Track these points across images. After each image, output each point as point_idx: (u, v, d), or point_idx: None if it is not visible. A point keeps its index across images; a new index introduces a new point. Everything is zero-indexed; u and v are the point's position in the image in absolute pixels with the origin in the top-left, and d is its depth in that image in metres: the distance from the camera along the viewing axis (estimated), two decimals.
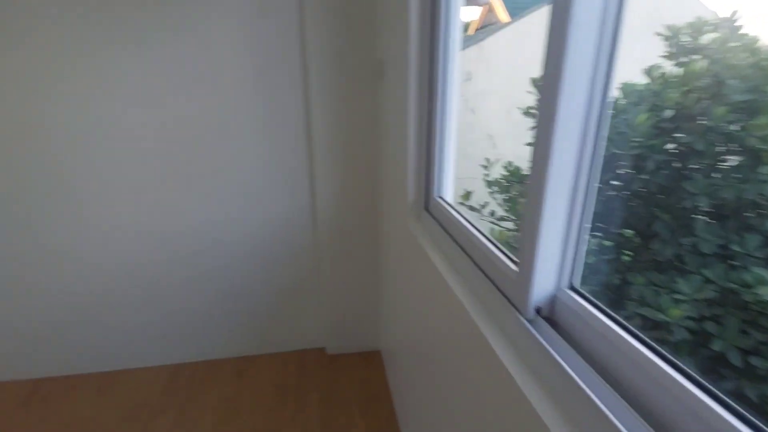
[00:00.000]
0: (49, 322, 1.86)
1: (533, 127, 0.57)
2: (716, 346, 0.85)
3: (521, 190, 1.70)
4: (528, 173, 0.61)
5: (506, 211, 1.76)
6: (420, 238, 1.12)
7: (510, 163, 1.74)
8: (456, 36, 1.04)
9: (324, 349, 2.12)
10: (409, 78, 1.15)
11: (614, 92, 0.51)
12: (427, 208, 1.24)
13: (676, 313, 0.95)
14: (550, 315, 0.61)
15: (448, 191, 1.19)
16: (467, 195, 1.74)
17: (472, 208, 1.77)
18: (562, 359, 0.53)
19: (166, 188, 1.76)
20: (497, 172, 1.78)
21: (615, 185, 1.24)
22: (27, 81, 1.56)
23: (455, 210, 1.04)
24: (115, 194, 1.73)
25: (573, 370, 0.51)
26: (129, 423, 1.67)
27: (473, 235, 0.87)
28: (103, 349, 1.94)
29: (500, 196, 1.78)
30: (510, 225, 1.70)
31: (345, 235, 1.88)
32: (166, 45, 1.58)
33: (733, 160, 0.94)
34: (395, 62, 1.32)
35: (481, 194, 1.80)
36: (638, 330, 0.50)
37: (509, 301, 0.67)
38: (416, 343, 1.23)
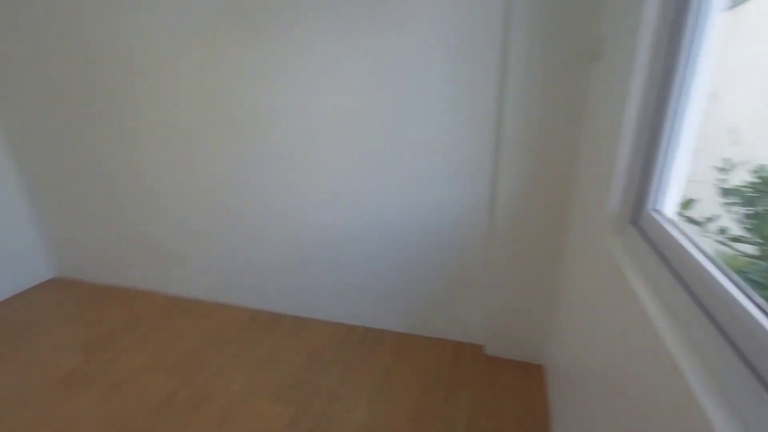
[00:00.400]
0: (269, 266, 2.34)
1: None
2: None
3: None
4: None
5: (747, 230, 1.33)
6: (620, 260, 0.93)
7: (763, 167, 1.29)
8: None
9: (483, 347, 2.06)
10: (636, 56, 0.93)
11: None
12: (635, 222, 1.02)
13: None
14: None
15: (670, 204, 0.95)
16: (688, 203, 1.38)
17: (691, 221, 1.39)
18: None
19: (357, 167, 1.94)
20: (740, 177, 1.35)
21: None
22: (256, 75, 1.91)
23: (680, 231, 0.82)
24: (316, 170, 2.01)
25: None
26: (308, 366, 1.98)
27: (707, 271, 0.66)
28: (299, 297, 2.34)
29: (741, 210, 1.35)
30: (750, 249, 1.28)
31: (523, 234, 1.74)
32: (368, 37, 1.70)
33: None
34: (620, 38, 1.09)
35: (709, 204, 1.40)
36: None
37: (766, 385, 0.48)
38: (597, 380, 1.05)
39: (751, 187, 1.32)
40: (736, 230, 1.33)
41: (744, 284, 0.62)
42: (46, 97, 2.36)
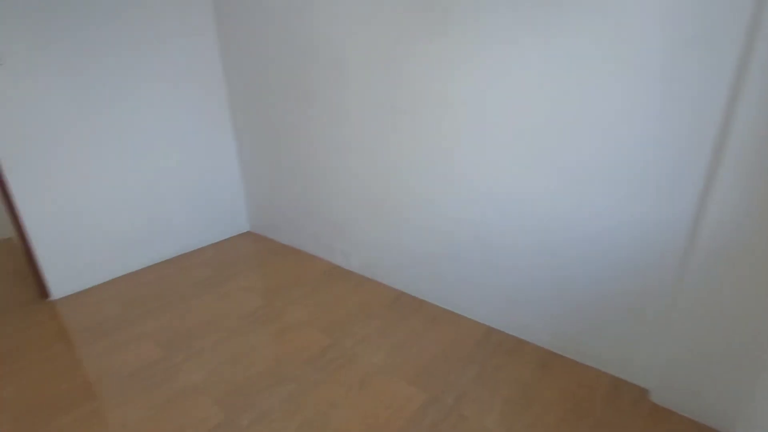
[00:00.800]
0: (419, 253, 2.43)
1: None
2: None
3: None
4: None
5: None
6: None
7: None
8: None
9: (647, 392, 1.74)
10: None
11: None
12: None
13: None
14: None
15: None
16: None
17: None
18: None
19: (523, 167, 1.83)
20: None
21: None
22: (439, 64, 1.94)
23: None
24: (480, 166, 1.97)
25: None
26: (444, 358, 1.99)
27: None
28: (444, 288, 2.37)
29: None
30: None
31: (738, 270, 1.38)
32: (566, 25, 1.55)
33: None
34: None
35: None
36: None
37: None
38: None
39: None
40: None
41: None
42: (260, 84, 2.88)
